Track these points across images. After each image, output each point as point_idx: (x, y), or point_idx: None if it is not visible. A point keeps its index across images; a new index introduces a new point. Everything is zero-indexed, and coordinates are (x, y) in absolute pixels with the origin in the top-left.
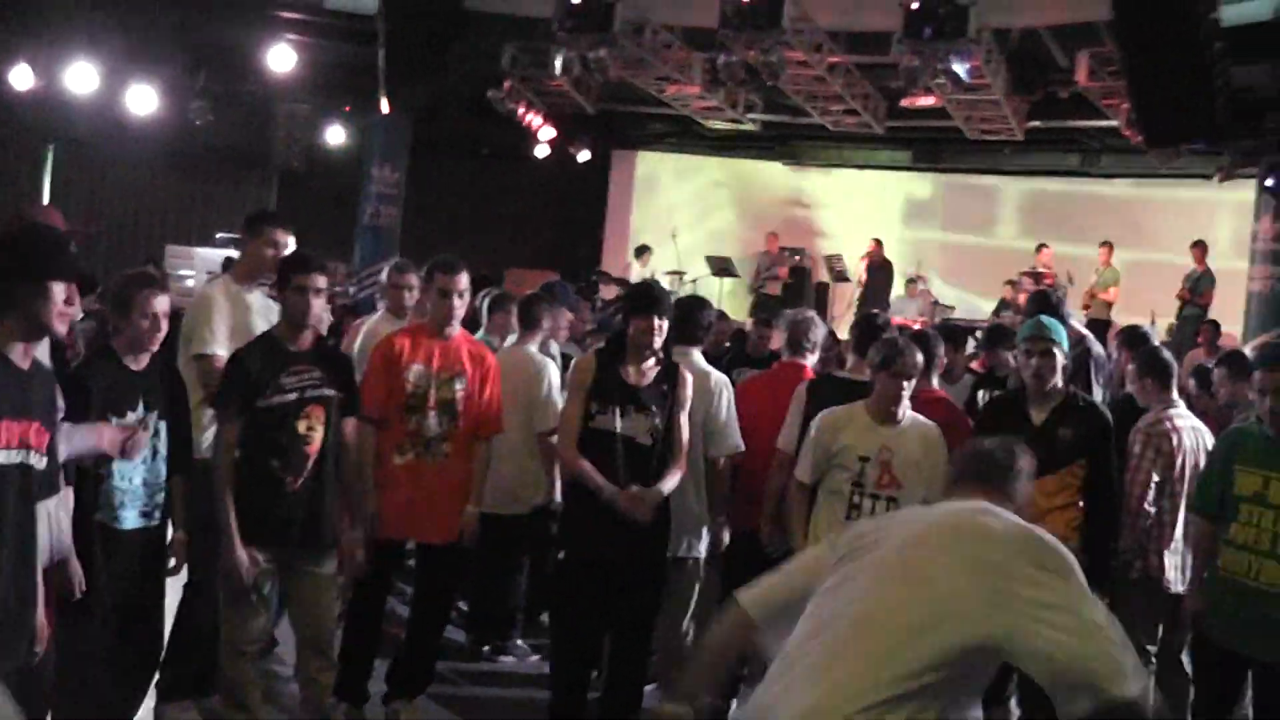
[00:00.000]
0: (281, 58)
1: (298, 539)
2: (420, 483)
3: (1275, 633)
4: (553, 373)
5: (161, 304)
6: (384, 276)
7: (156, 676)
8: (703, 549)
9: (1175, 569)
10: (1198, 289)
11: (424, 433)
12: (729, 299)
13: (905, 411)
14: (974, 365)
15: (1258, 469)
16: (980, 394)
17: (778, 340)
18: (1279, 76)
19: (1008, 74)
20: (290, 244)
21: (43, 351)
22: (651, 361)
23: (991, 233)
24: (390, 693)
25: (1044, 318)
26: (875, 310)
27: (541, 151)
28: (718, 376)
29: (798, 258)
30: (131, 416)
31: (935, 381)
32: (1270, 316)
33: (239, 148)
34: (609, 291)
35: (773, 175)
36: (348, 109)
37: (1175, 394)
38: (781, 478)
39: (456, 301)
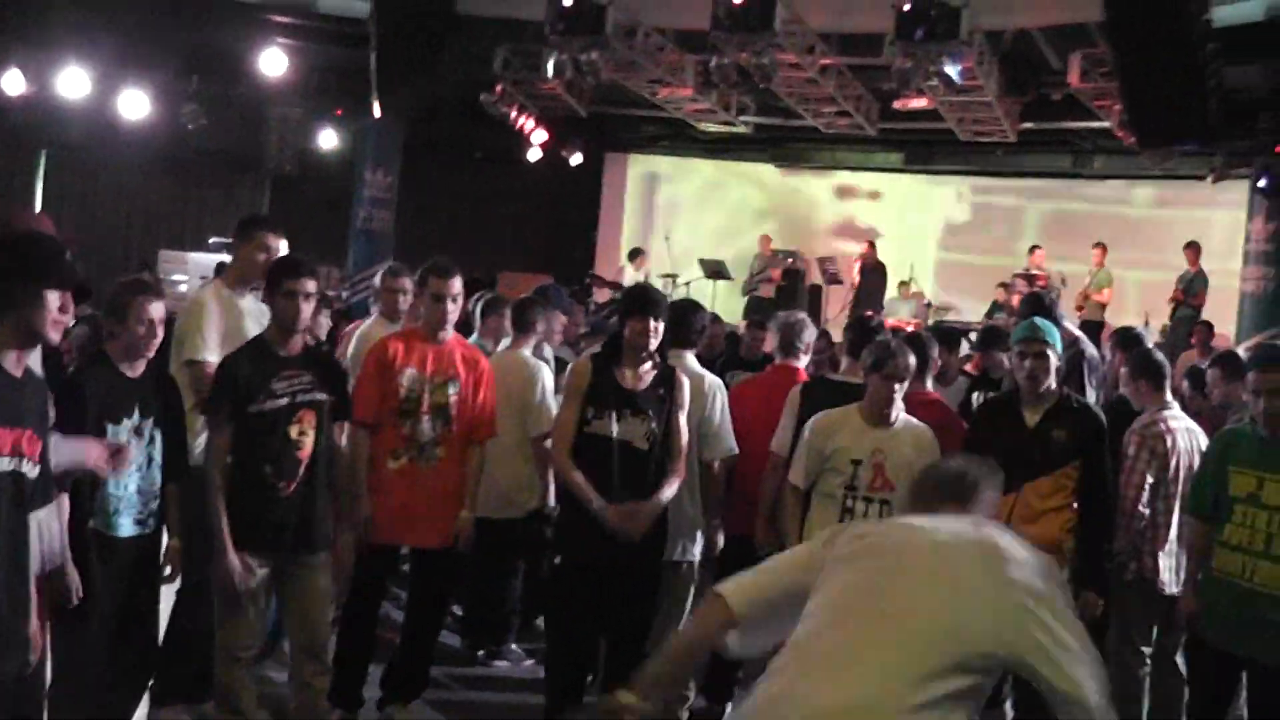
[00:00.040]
0: (273, 62)
1: (291, 544)
2: (414, 487)
3: (1270, 633)
4: (547, 377)
5: (157, 310)
6: (378, 281)
7: (150, 682)
8: (697, 552)
9: (1170, 570)
10: (1191, 290)
11: (418, 437)
12: (722, 302)
13: (898, 414)
14: (967, 367)
15: (1252, 470)
16: (975, 396)
17: (771, 343)
18: (1271, 77)
19: (1000, 75)
20: (282, 248)
21: (34, 359)
22: (648, 365)
23: (986, 235)
24: (385, 697)
25: (1037, 319)
26: (869, 312)
27: (534, 155)
28: (711, 379)
29: (791, 260)
30: (127, 423)
31: (929, 384)
32: (1263, 317)
33: (231, 152)
34: (602, 295)
35: (765, 178)
36: (340, 113)
37: (1169, 395)
38: (775, 480)
39: (450, 305)
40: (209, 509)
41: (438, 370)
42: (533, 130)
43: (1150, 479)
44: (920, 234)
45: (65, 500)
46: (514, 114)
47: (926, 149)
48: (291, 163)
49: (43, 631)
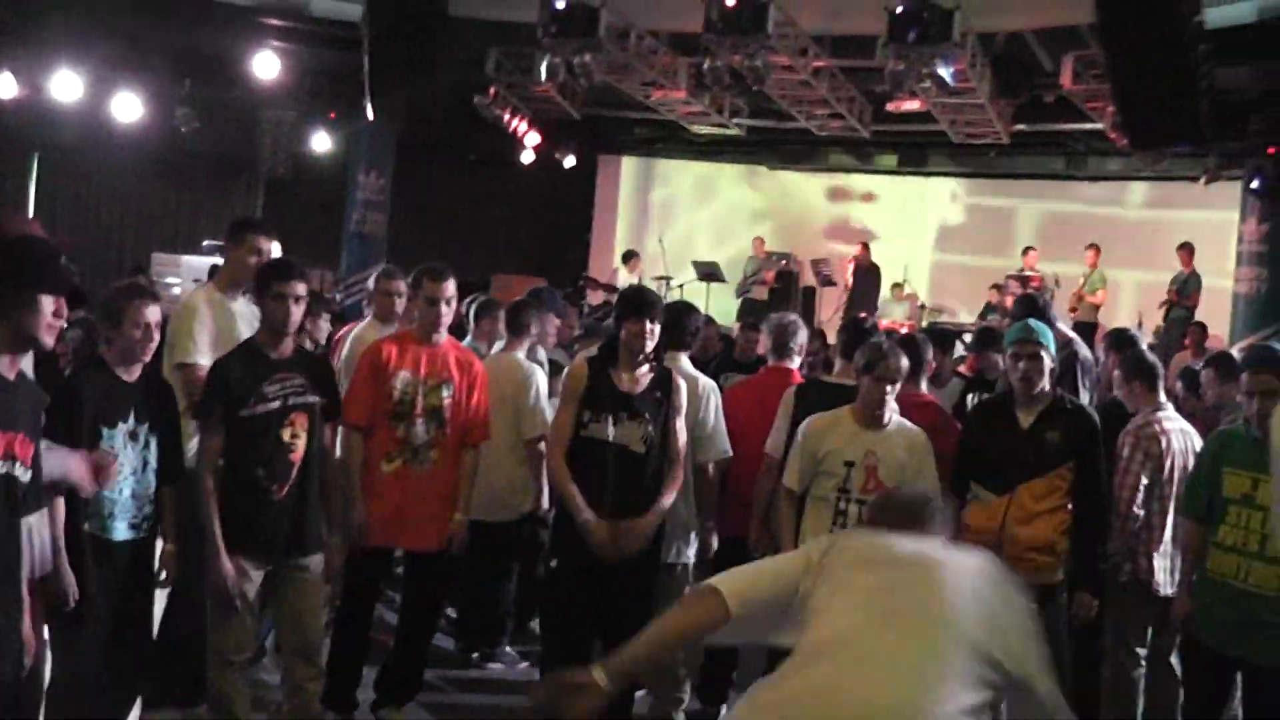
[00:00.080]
0: (266, 65)
1: (284, 547)
2: (408, 490)
3: (1264, 634)
4: (540, 379)
5: (153, 314)
6: (371, 283)
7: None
8: (692, 554)
9: (1164, 571)
10: (1185, 291)
11: (411, 440)
12: (716, 304)
13: (891, 416)
14: (962, 369)
15: (1246, 471)
16: (969, 397)
17: (764, 345)
18: (1263, 79)
19: (993, 78)
20: (274, 251)
21: (26, 363)
22: (645, 368)
23: (979, 236)
24: (379, 700)
25: (1031, 321)
26: (863, 314)
27: (527, 157)
28: (705, 382)
29: (784, 262)
30: (122, 427)
31: (924, 385)
32: (1256, 318)
33: (225, 155)
34: (596, 297)
35: (759, 180)
36: (333, 115)
37: (1163, 396)
38: (769, 483)
39: (444, 308)
40: (202, 513)
41: (431, 373)
42: (526, 133)
43: (1145, 480)
44: (914, 236)
45: (60, 503)
46: (507, 116)
47: (920, 151)
48: (285, 165)
49: (39, 634)
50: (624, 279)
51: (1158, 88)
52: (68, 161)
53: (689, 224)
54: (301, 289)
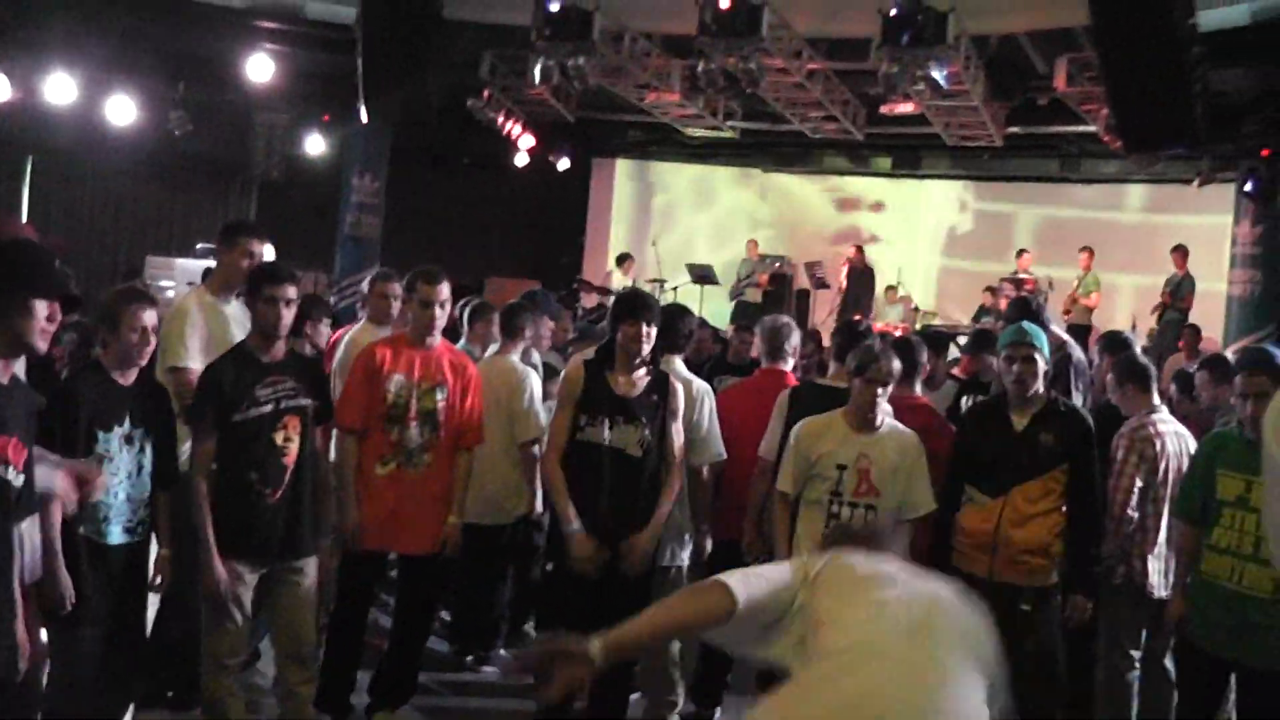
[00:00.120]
0: (260, 67)
1: (277, 551)
2: (402, 493)
3: (1258, 636)
4: (535, 382)
5: (150, 318)
6: (366, 286)
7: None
8: (686, 557)
9: (1159, 574)
10: (1179, 293)
11: (405, 443)
12: (710, 307)
13: (883, 418)
14: (956, 371)
15: (1239, 473)
16: (964, 400)
17: (758, 347)
18: (1256, 81)
19: (986, 80)
20: (267, 253)
21: (19, 366)
22: (642, 371)
23: (974, 239)
24: (373, 704)
25: (1025, 324)
26: (857, 316)
27: (521, 160)
28: (699, 385)
29: (778, 264)
30: (118, 431)
31: (918, 388)
32: (1250, 320)
33: (218, 158)
34: (590, 300)
35: (753, 182)
36: (327, 118)
37: (1157, 398)
38: (763, 485)
39: (438, 311)
40: (195, 517)
41: (425, 376)
42: (520, 135)
43: (1139, 482)
44: (908, 238)
45: (58, 507)
46: (501, 119)
47: (914, 154)
48: (278, 168)
49: (36, 638)
50: (618, 282)
51: (1151, 90)
52: (61, 164)
53: (683, 227)
54: (292, 292)
